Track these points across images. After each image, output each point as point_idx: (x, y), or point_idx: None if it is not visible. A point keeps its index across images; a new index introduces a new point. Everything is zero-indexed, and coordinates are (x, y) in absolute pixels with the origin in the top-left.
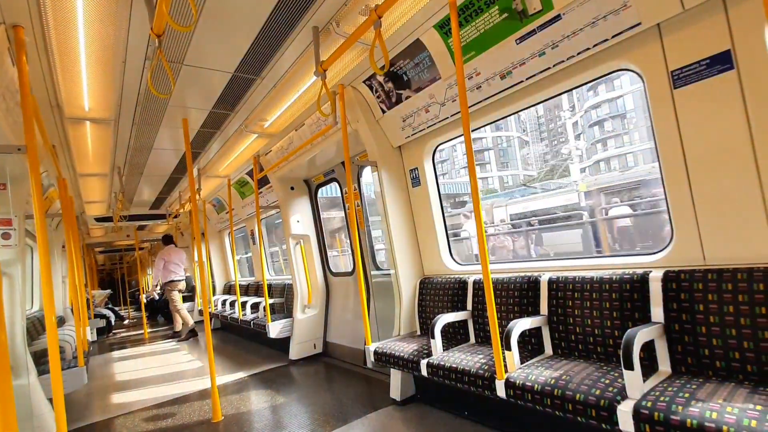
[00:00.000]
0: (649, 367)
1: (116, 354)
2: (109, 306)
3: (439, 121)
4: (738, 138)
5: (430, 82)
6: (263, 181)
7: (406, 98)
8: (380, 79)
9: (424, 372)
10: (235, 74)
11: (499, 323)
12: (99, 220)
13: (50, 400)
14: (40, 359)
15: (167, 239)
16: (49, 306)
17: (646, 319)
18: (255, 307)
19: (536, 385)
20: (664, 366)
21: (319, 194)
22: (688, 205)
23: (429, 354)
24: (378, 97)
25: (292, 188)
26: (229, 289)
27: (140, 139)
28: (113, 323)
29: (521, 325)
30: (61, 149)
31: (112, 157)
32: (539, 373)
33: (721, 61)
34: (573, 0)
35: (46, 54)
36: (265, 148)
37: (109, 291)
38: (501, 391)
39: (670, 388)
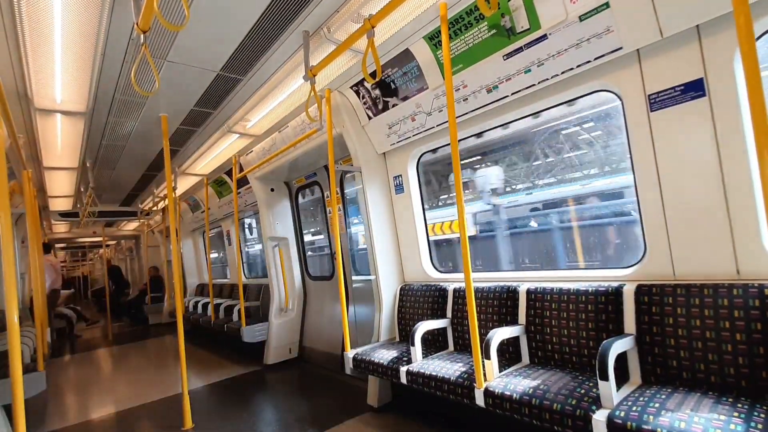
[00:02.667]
0: (621, 376)
1: (78, 356)
2: (71, 306)
3: (425, 130)
4: (708, 161)
5: (418, 92)
6: (242, 182)
7: (393, 106)
8: (368, 85)
9: (403, 379)
10: (219, 73)
11: (478, 331)
12: (64, 215)
13: (4, 407)
14: None
15: (46, 247)
16: (11, 305)
17: (619, 330)
18: (229, 309)
19: (514, 395)
20: (635, 376)
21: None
22: (661, 222)
23: (408, 361)
24: (365, 103)
25: (272, 190)
26: (201, 290)
27: (114, 134)
28: (75, 323)
29: (500, 334)
30: (27, 141)
31: (83, 152)
32: (517, 383)
33: (695, 89)
34: (559, 21)
35: (16, 41)
36: (246, 149)
37: (71, 290)
38: (480, 400)
39: (641, 398)
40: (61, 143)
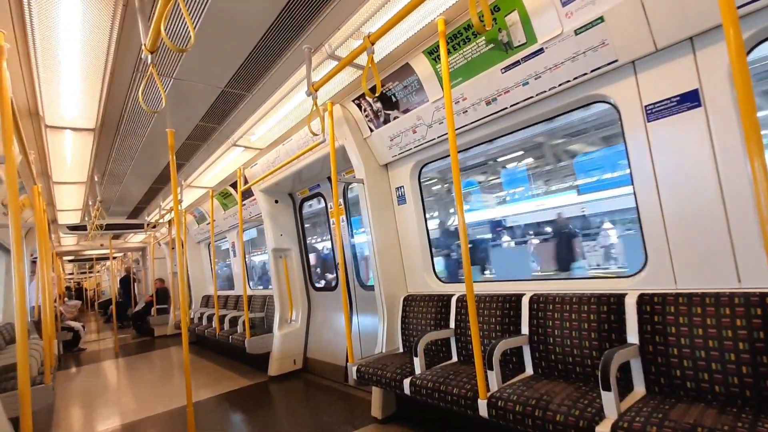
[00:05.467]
0: (625, 386)
1: (84, 369)
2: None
3: (426, 142)
4: (706, 171)
5: (418, 104)
6: (247, 194)
7: (394, 118)
8: (369, 99)
9: (407, 391)
10: (224, 89)
11: (481, 342)
12: (72, 228)
13: (12, 420)
14: (1, 376)
15: None
16: (21, 318)
17: (622, 340)
18: (234, 321)
19: (518, 406)
20: (639, 386)
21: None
22: (661, 231)
23: (411, 372)
24: (366, 116)
25: (277, 201)
26: (207, 302)
27: (122, 149)
28: (82, 336)
29: (503, 344)
30: (37, 156)
31: (91, 166)
32: (521, 393)
33: (690, 99)
34: (555, 35)
35: (28, 61)
36: (250, 161)
37: (79, 302)
38: (483, 411)
39: (645, 409)
40: (70, 158)
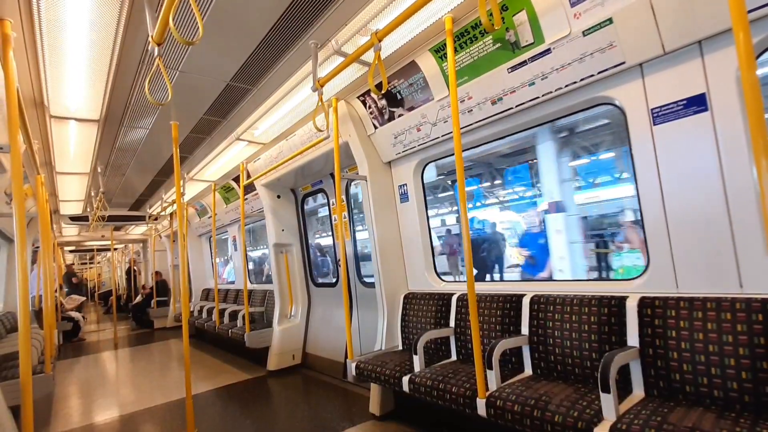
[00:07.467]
0: (624, 389)
1: (83, 359)
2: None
3: (430, 140)
4: (710, 175)
5: (423, 103)
6: (249, 188)
7: (399, 116)
8: (374, 96)
9: (405, 388)
10: (230, 83)
11: (481, 341)
12: (74, 219)
13: (12, 409)
14: (1, 365)
15: None
16: (24, 307)
17: (622, 342)
18: (234, 315)
19: (516, 405)
20: (638, 389)
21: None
22: (663, 235)
23: (411, 370)
24: (371, 113)
25: (279, 196)
26: (207, 295)
27: (126, 141)
28: (82, 326)
29: (503, 344)
30: (41, 146)
31: (94, 157)
32: (520, 393)
33: (697, 103)
34: (563, 36)
35: (35, 51)
36: (253, 156)
37: (83, 298)
38: (482, 410)
39: (643, 412)
40: (73, 149)
